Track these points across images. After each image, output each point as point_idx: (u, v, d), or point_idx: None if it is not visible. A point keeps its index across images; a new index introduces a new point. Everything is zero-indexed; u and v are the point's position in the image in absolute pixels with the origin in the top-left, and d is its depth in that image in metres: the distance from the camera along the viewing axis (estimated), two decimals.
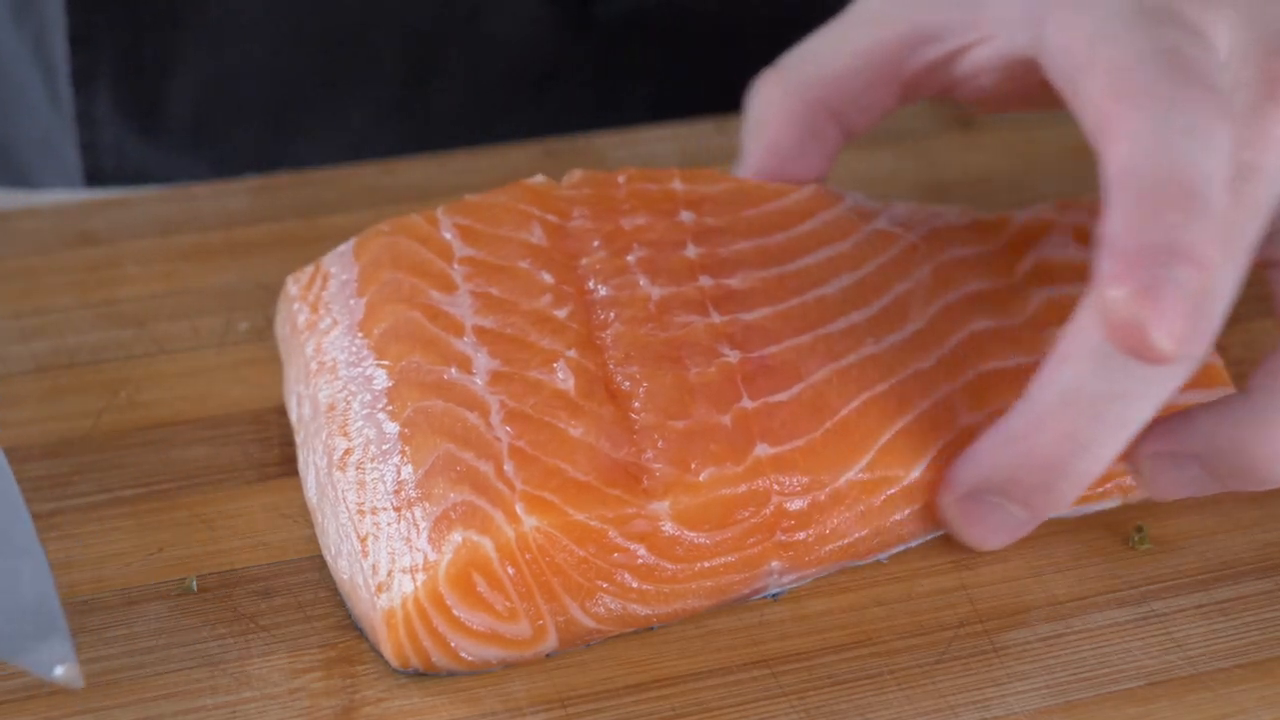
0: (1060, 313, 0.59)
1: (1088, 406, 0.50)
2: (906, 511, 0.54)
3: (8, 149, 0.80)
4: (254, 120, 0.78)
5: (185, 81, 0.77)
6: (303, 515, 0.56)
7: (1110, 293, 0.47)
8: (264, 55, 0.77)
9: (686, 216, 0.58)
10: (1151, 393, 0.50)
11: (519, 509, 0.50)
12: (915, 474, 0.54)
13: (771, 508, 0.52)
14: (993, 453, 0.52)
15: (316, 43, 0.77)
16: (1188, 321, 0.47)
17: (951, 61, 0.58)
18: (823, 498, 0.53)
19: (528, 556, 0.50)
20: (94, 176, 0.78)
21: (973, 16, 0.56)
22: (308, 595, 0.54)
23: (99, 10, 0.75)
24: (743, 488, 0.52)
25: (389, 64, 0.78)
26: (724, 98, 0.69)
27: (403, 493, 0.52)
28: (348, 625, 0.53)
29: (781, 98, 0.60)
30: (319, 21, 0.77)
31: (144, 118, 0.78)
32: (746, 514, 0.52)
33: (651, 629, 0.53)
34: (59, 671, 0.48)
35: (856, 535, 0.54)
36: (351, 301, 0.57)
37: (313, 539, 0.55)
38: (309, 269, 0.59)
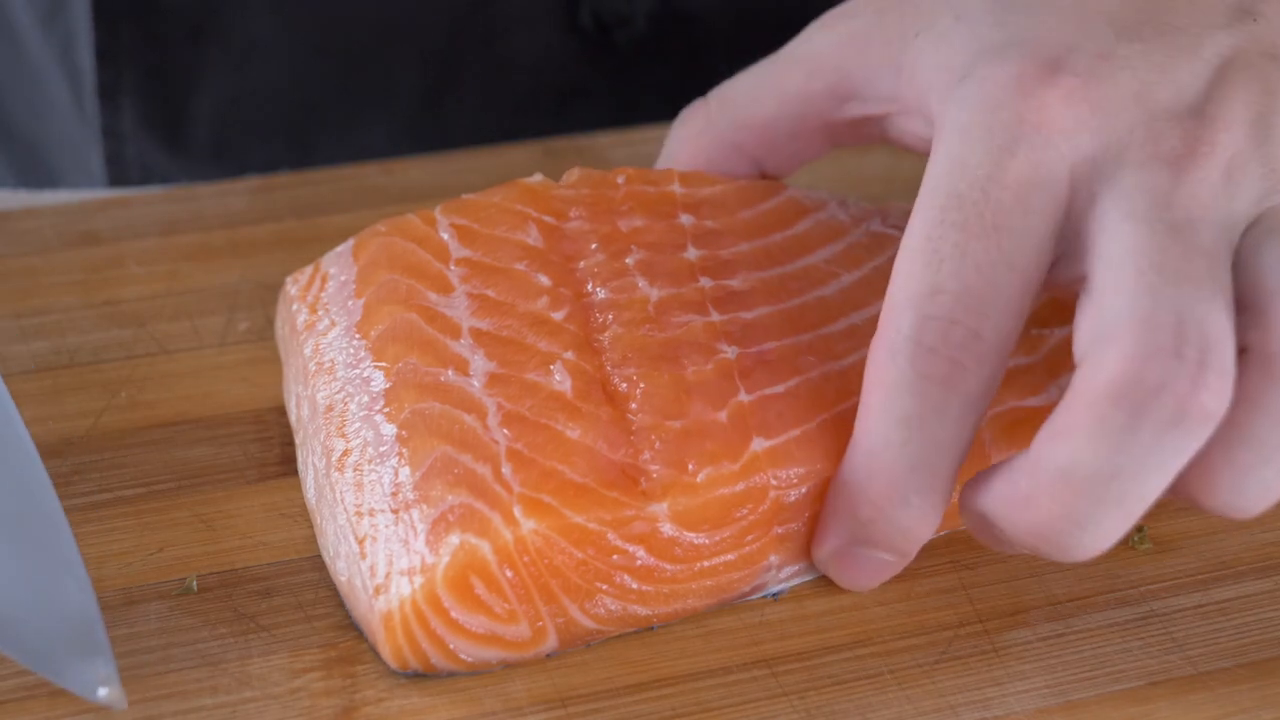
0: (1059, 312, 0.59)
1: (1085, 483, 0.48)
2: None
3: (37, 151, 0.81)
4: (274, 137, 0.78)
5: (208, 97, 0.78)
6: (303, 515, 0.56)
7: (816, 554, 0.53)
8: (284, 73, 0.78)
9: (686, 220, 0.58)
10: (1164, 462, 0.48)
11: (517, 511, 0.50)
12: None
13: (769, 503, 0.52)
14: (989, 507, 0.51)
15: (335, 62, 0.78)
16: (875, 576, 0.53)
17: (877, 122, 0.57)
18: (819, 488, 0.53)
19: (526, 559, 0.50)
20: (119, 187, 0.79)
21: (896, 87, 0.55)
22: (308, 595, 0.54)
23: (124, 25, 0.76)
24: (740, 486, 0.52)
25: (406, 84, 0.78)
26: None
27: (400, 494, 0.52)
28: (348, 625, 0.53)
29: (701, 132, 0.60)
30: (338, 41, 0.77)
31: (168, 132, 0.78)
32: (744, 512, 0.52)
33: (651, 629, 0.53)
34: (102, 693, 0.49)
35: None
36: (350, 302, 0.57)
37: (313, 539, 0.55)
38: (308, 269, 0.59)
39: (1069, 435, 0.47)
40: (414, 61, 0.78)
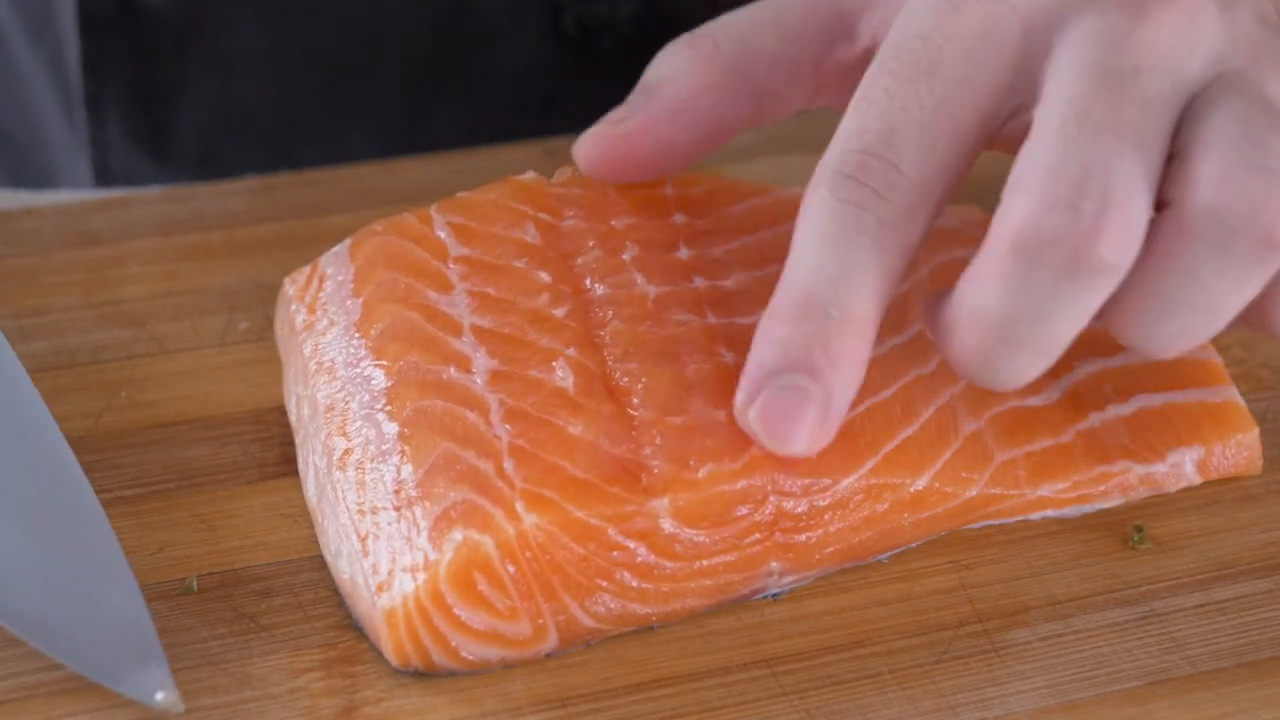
0: None
1: (992, 324, 0.49)
2: (909, 518, 0.54)
3: (31, 156, 0.81)
4: (260, 147, 0.78)
5: (193, 108, 0.78)
6: (303, 515, 0.56)
7: (741, 417, 0.51)
8: (269, 84, 0.78)
9: (679, 219, 0.58)
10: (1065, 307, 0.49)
11: (519, 507, 0.51)
12: (921, 483, 0.54)
13: (770, 507, 0.52)
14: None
15: (320, 72, 0.78)
16: (796, 413, 0.50)
17: (858, 69, 0.55)
18: (824, 501, 0.53)
19: (528, 554, 0.50)
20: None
21: (881, 13, 0.55)
22: (308, 595, 0.54)
23: (109, 37, 0.76)
24: (740, 484, 0.52)
25: (391, 93, 0.79)
26: None
27: (403, 492, 0.52)
28: (348, 625, 0.53)
29: (708, 59, 0.57)
30: (323, 51, 0.77)
31: (153, 142, 0.79)
32: (745, 511, 0.52)
33: (651, 629, 0.53)
34: (159, 697, 0.50)
35: (858, 539, 0.54)
36: (348, 302, 0.57)
37: (313, 539, 0.55)
38: (305, 270, 0.59)
39: (978, 278, 0.49)
40: (398, 70, 0.78)
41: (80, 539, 0.53)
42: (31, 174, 0.81)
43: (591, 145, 0.58)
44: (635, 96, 0.58)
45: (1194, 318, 0.50)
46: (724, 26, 0.58)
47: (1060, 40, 0.50)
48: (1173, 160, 0.49)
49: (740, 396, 0.51)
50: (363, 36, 0.78)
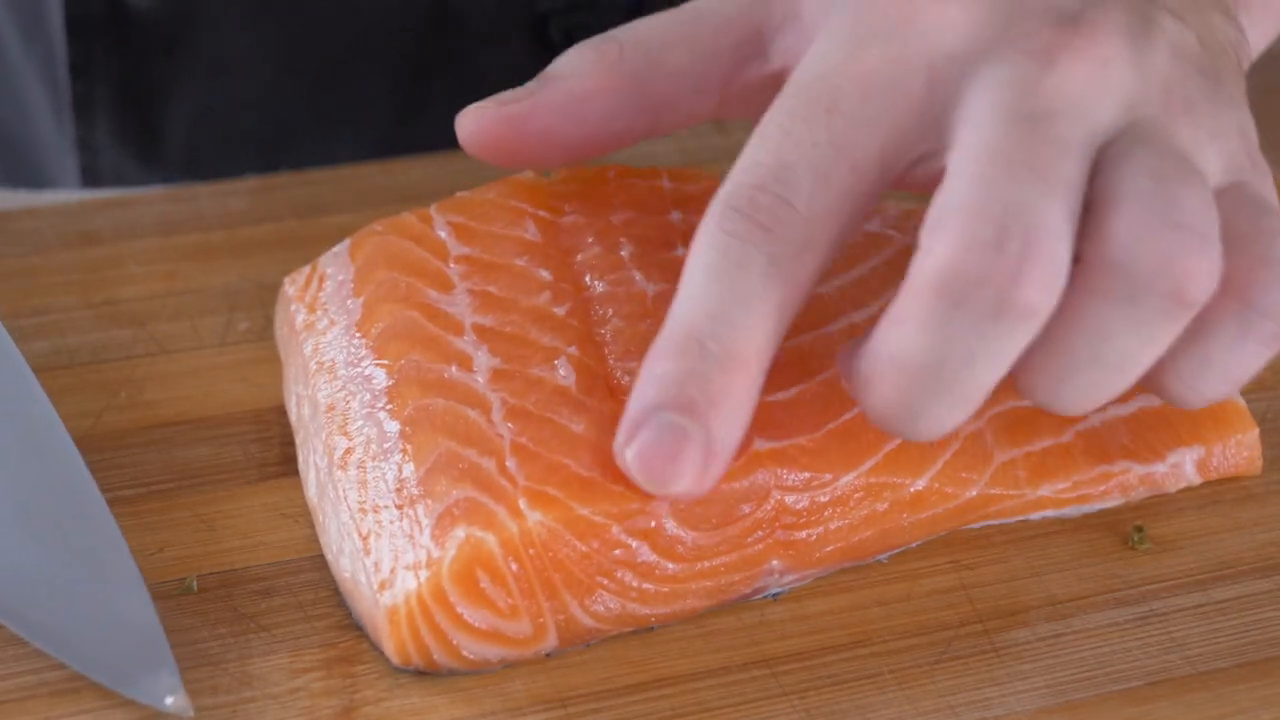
0: None
1: (914, 370, 0.48)
2: (909, 517, 0.54)
3: (25, 156, 0.81)
4: (247, 150, 0.78)
5: (181, 112, 0.78)
6: (303, 515, 0.56)
7: (621, 457, 0.50)
8: (256, 88, 0.78)
9: (675, 216, 0.58)
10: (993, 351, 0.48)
11: (522, 504, 0.51)
12: (921, 483, 0.54)
13: (772, 504, 0.52)
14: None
15: (307, 76, 0.78)
16: (674, 452, 0.48)
17: (766, 89, 0.55)
18: (824, 498, 0.53)
19: (531, 551, 0.50)
20: None
21: (793, 35, 0.55)
22: (308, 595, 0.54)
23: (97, 40, 0.76)
24: (742, 482, 0.52)
25: (377, 98, 0.79)
26: (706, 140, 0.69)
27: (405, 490, 0.52)
28: (348, 625, 0.53)
29: (611, 65, 0.56)
30: (309, 56, 0.77)
31: (141, 146, 0.79)
32: (747, 509, 0.52)
33: (651, 629, 0.53)
34: (169, 701, 0.50)
35: (858, 537, 0.54)
36: (349, 302, 0.57)
37: (313, 539, 0.55)
38: (305, 270, 0.59)
39: (899, 323, 0.48)
40: (384, 76, 0.78)
41: (90, 543, 0.53)
42: (24, 175, 0.81)
43: (473, 120, 0.57)
44: (531, 84, 0.57)
45: (1102, 375, 0.49)
46: (634, 34, 0.57)
47: (970, 87, 0.49)
48: (1086, 212, 0.48)
49: (619, 435, 0.50)
50: (350, 41, 0.78)
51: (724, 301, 0.49)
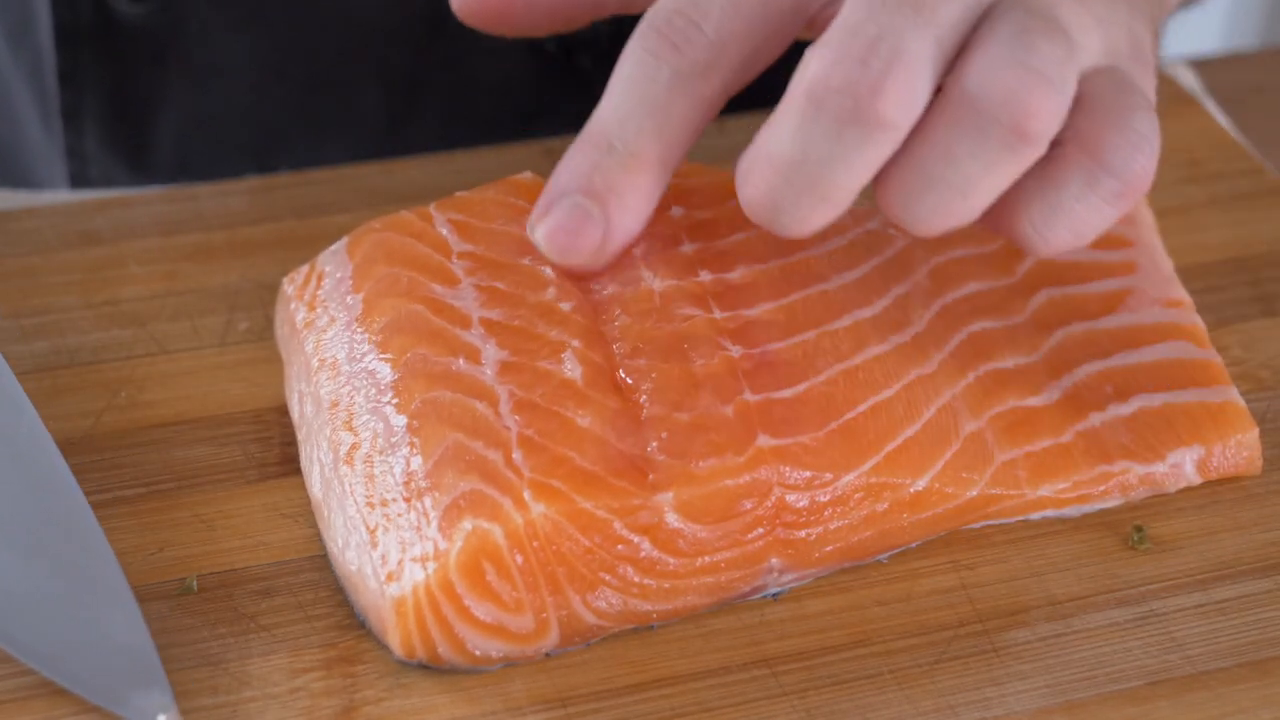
0: (1060, 312, 0.59)
1: (780, 166, 0.52)
2: (909, 517, 0.54)
3: (9, 160, 0.81)
4: (237, 159, 0.78)
5: (170, 119, 0.78)
6: (303, 515, 0.56)
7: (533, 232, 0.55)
8: (246, 96, 0.78)
9: (676, 211, 0.58)
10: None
11: (527, 496, 0.51)
12: (921, 483, 0.54)
13: (773, 501, 0.52)
14: None
15: (298, 84, 0.78)
16: (575, 228, 0.55)
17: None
18: (825, 497, 0.53)
19: (535, 544, 0.51)
20: None
21: None
22: (308, 595, 0.54)
23: (86, 48, 0.76)
24: (744, 478, 0.52)
25: (369, 105, 0.79)
26: (706, 141, 0.69)
27: (412, 483, 0.52)
28: (348, 625, 0.53)
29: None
30: (300, 63, 0.77)
31: (130, 155, 0.79)
32: (749, 505, 0.52)
33: (651, 628, 0.53)
34: (161, 719, 0.50)
35: (858, 537, 0.54)
36: (349, 298, 0.57)
37: (313, 539, 0.55)
38: (304, 269, 0.59)
39: (773, 125, 0.52)
40: (376, 83, 0.78)
41: (79, 560, 0.53)
42: (14, 184, 0.81)
43: None
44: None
45: (949, 196, 0.52)
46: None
47: None
48: (957, 56, 0.52)
49: (534, 213, 0.55)
50: (341, 49, 0.78)
51: (632, 107, 0.54)
